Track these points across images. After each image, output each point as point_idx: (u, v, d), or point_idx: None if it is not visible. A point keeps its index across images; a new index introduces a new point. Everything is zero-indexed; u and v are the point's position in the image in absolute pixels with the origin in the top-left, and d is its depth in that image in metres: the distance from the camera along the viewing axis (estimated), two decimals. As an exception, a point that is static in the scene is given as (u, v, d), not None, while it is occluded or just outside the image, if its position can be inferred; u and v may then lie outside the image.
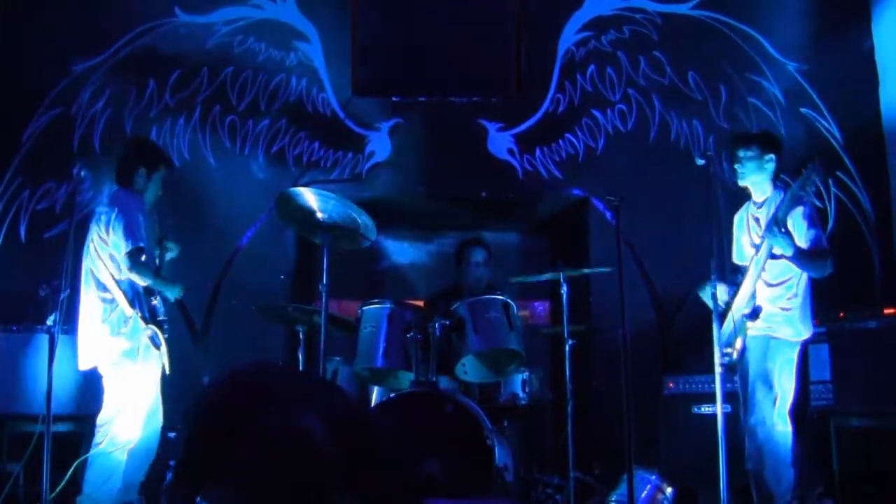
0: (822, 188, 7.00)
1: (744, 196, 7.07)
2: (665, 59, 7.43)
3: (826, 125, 7.34)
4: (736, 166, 5.52)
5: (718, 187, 5.21)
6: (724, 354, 5.20)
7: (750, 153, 5.43)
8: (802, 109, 7.38)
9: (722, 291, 5.28)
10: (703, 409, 6.13)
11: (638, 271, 7.16)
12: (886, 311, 6.05)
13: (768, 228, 5.18)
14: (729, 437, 4.96)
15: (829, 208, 7.15)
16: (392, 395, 5.48)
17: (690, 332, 6.74)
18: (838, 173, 7.24)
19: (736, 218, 5.70)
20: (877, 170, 7.24)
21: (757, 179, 5.47)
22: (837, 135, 7.32)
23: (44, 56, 7.19)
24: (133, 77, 7.28)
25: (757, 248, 5.31)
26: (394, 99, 7.43)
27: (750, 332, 5.32)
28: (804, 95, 7.39)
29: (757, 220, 5.45)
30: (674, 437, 6.26)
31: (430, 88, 7.56)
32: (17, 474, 5.56)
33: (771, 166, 5.43)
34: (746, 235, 5.55)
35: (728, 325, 5.35)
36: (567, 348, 5.78)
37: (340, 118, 7.36)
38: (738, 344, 5.32)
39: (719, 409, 4.92)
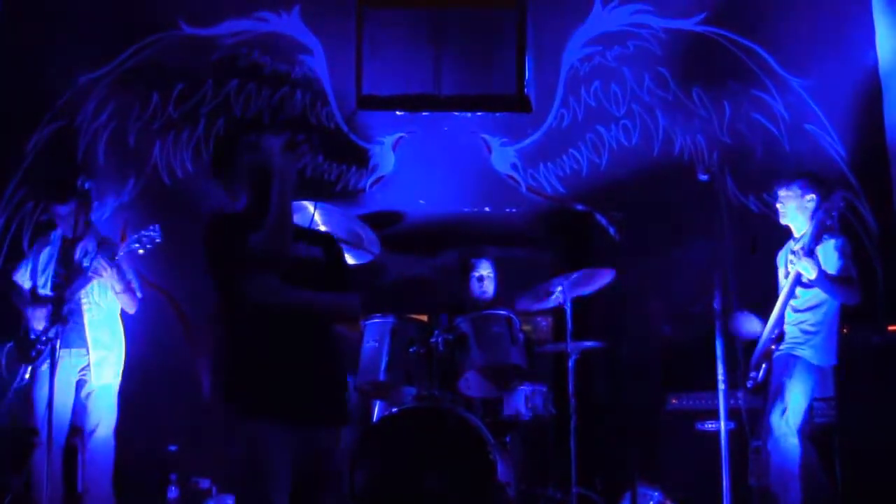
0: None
1: (745, 212, 7.14)
2: (669, 74, 7.42)
3: (830, 141, 7.32)
4: (777, 205, 5.72)
5: (722, 202, 5.22)
6: (749, 378, 5.38)
7: (790, 193, 5.59)
8: (806, 125, 7.37)
9: (752, 322, 5.57)
10: (706, 425, 6.11)
11: (641, 286, 7.15)
12: (890, 327, 6.05)
13: (795, 253, 5.39)
14: (732, 454, 4.96)
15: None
16: (394, 409, 5.47)
17: (694, 348, 6.72)
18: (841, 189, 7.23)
19: (779, 256, 5.83)
20: (880, 186, 7.23)
21: (797, 218, 5.64)
22: (841, 151, 7.31)
23: (48, 68, 7.20)
24: (137, 89, 7.28)
25: (787, 275, 5.52)
26: (397, 113, 7.42)
27: (775, 354, 5.53)
28: (808, 111, 7.37)
29: (794, 252, 5.59)
30: (676, 454, 6.23)
31: (434, 103, 7.56)
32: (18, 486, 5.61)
33: (812, 206, 5.59)
34: (783, 268, 5.71)
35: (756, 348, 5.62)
36: (570, 363, 5.79)
37: (344, 132, 7.36)
38: (763, 366, 5.48)
39: (722, 425, 4.93)
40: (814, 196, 5.58)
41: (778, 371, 5.46)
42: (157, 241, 5.78)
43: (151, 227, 5.77)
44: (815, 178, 5.73)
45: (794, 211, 5.62)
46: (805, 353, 5.42)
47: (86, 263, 5.89)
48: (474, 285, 6.53)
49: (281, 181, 3.38)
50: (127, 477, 6.14)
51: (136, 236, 5.75)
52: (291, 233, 3.43)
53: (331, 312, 3.59)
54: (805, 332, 5.46)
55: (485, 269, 6.54)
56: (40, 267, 6.05)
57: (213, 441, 6.78)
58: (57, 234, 6.13)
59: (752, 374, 5.54)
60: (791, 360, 5.44)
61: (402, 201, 7.37)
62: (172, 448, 6.50)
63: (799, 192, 5.59)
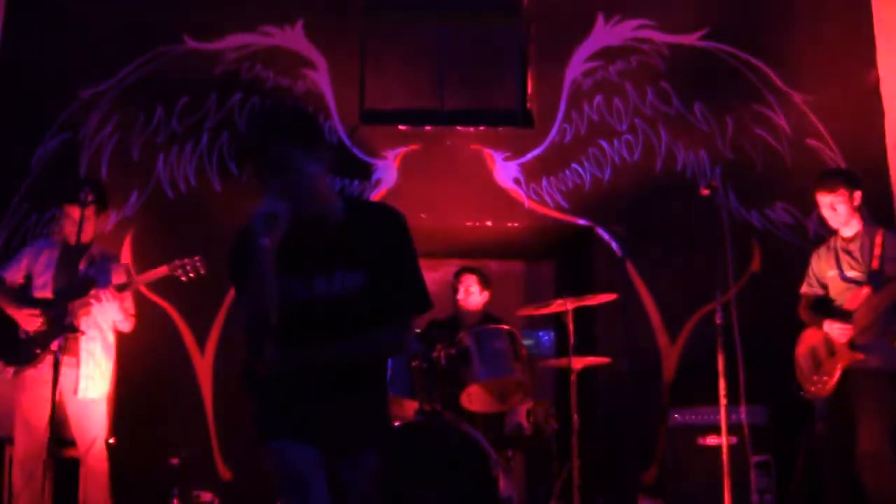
0: None
1: (747, 227, 7.13)
2: (671, 89, 7.44)
3: (832, 156, 7.34)
4: (824, 212, 5.60)
5: (724, 217, 5.23)
6: (818, 381, 5.25)
7: (839, 197, 5.49)
8: (808, 141, 7.38)
9: (836, 330, 5.38)
10: (708, 440, 6.10)
11: (643, 301, 7.15)
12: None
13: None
14: (734, 469, 4.95)
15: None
16: (396, 424, 5.47)
17: (697, 363, 6.73)
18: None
19: (817, 254, 5.74)
20: (882, 201, 7.23)
21: (849, 217, 5.54)
22: (843, 166, 7.32)
23: (52, 81, 7.22)
24: (141, 103, 7.29)
25: (847, 280, 5.45)
26: (400, 127, 7.43)
27: (850, 365, 5.31)
28: (810, 127, 7.40)
29: (849, 252, 5.53)
30: (679, 469, 6.22)
31: (437, 117, 7.58)
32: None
33: (857, 202, 5.52)
34: (835, 270, 5.58)
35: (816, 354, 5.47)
36: (572, 378, 5.79)
37: (347, 146, 7.36)
38: (837, 373, 5.33)
39: (724, 440, 4.92)
40: (859, 192, 5.50)
41: (854, 387, 5.31)
42: (202, 272, 5.76)
43: (198, 259, 5.75)
44: (853, 174, 5.67)
45: (846, 213, 5.50)
46: (875, 361, 5.27)
47: (90, 276, 5.77)
48: (463, 299, 6.56)
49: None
50: (128, 490, 6.13)
51: (179, 263, 5.72)
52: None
53: (360, 359, 3.25)
54: (871, 340, 5.31)
55: (469, 284, 6.56)
56: (39, 269, 5.81)
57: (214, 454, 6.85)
58: (58, 238, 5.97)
59: (825, 379, 5.36)
60: (865, 373, 5.27)
61: (405, 215, 7.35)
62: (174, 461, 6.49)
63: (848, 192, 5.48)
